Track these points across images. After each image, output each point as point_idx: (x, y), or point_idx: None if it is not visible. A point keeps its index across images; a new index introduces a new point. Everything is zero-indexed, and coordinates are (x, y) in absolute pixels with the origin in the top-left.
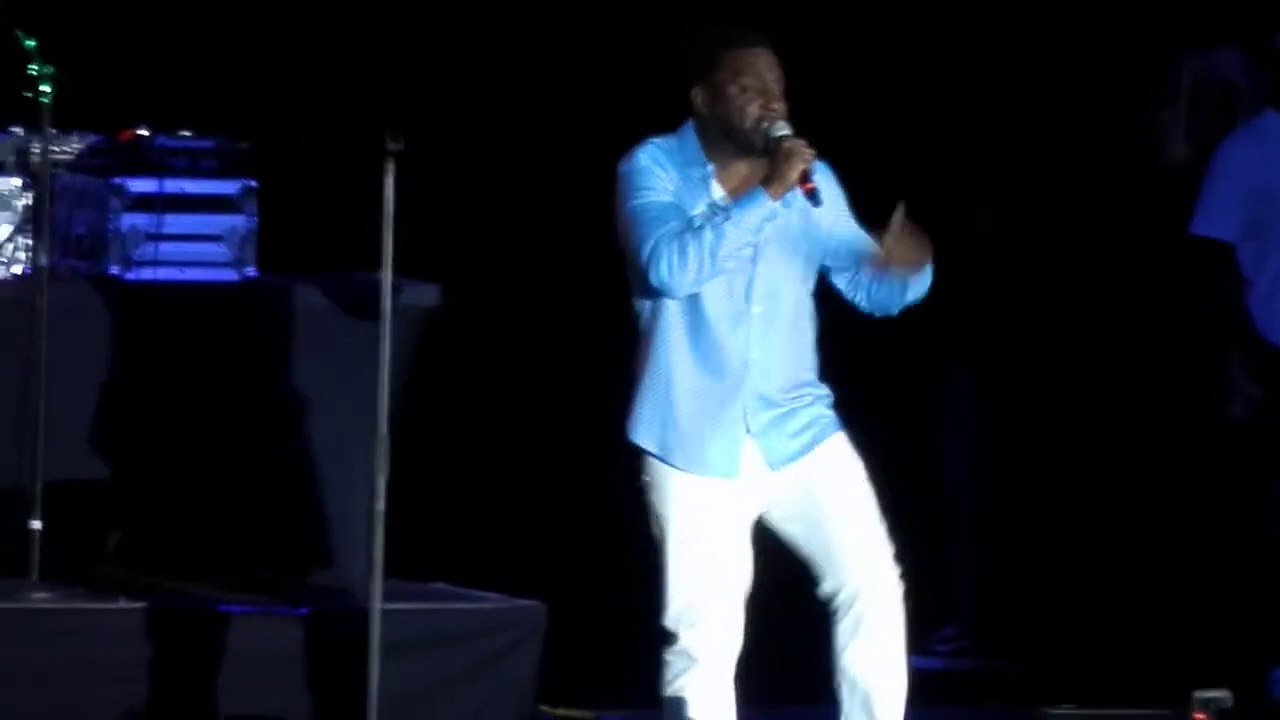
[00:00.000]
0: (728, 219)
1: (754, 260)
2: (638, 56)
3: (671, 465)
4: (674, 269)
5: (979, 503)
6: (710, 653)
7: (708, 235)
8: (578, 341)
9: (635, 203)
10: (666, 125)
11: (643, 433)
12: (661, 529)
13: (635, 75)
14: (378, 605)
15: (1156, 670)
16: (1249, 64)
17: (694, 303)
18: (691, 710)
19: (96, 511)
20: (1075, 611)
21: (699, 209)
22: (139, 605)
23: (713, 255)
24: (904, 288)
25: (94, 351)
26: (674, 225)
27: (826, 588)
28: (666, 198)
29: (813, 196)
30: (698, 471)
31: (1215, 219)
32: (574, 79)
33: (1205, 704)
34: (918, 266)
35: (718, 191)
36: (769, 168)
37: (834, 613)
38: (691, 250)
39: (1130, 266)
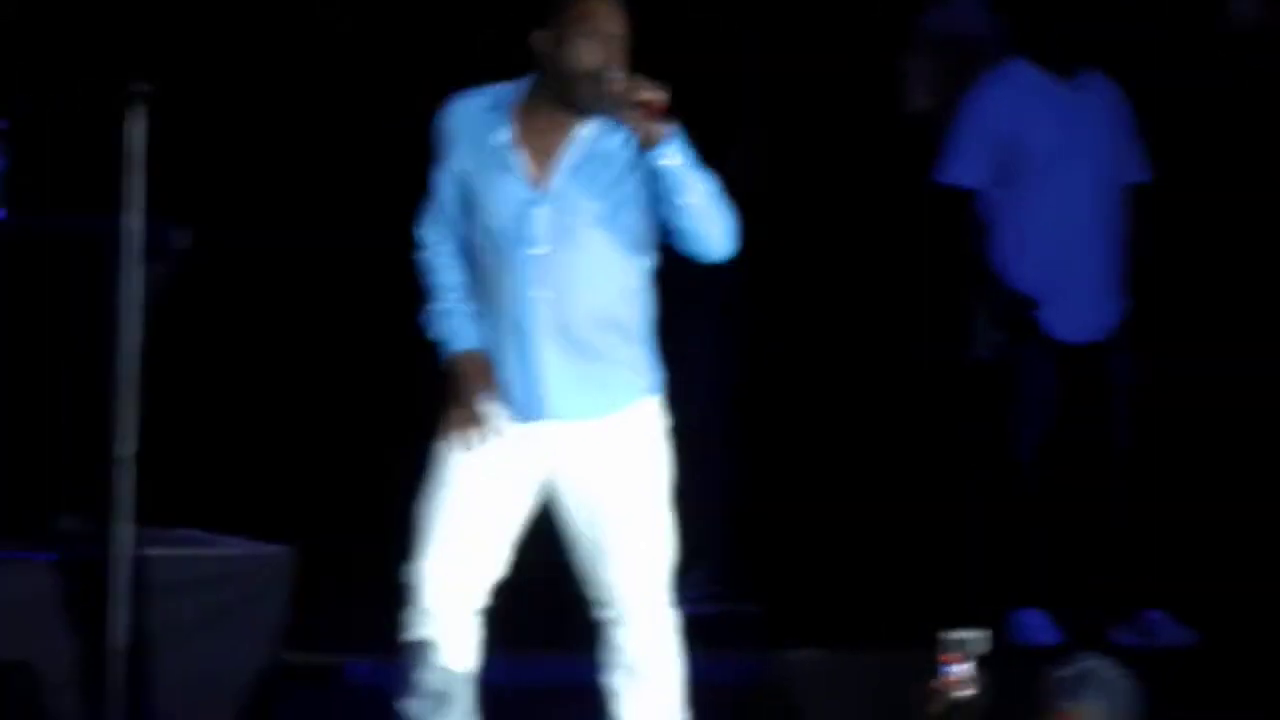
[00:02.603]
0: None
1: (531, 207)
2: None
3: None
4: (418, 269)
5: (730, 445)
6: (435, 594)
7: (429, 307)
8: (333, 282)
9: (430, 173)
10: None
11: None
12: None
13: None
14: (123, 550)
15: (903, 613)
16: (988, 13)
17: (479, 247)
18: (410, 653)
19: None
20: (821, 554)
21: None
22: None
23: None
24: (682, 217)
25: None
26: (434, 236)
27: (590, 593)
28: (445, 186)
29: (667, 115)
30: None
31: (960, 166)
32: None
33: (959, 644)
34: (639, 112)
35: (502, 137)
36: (623, 121)
37: (599, 628)
38: (421, 280)
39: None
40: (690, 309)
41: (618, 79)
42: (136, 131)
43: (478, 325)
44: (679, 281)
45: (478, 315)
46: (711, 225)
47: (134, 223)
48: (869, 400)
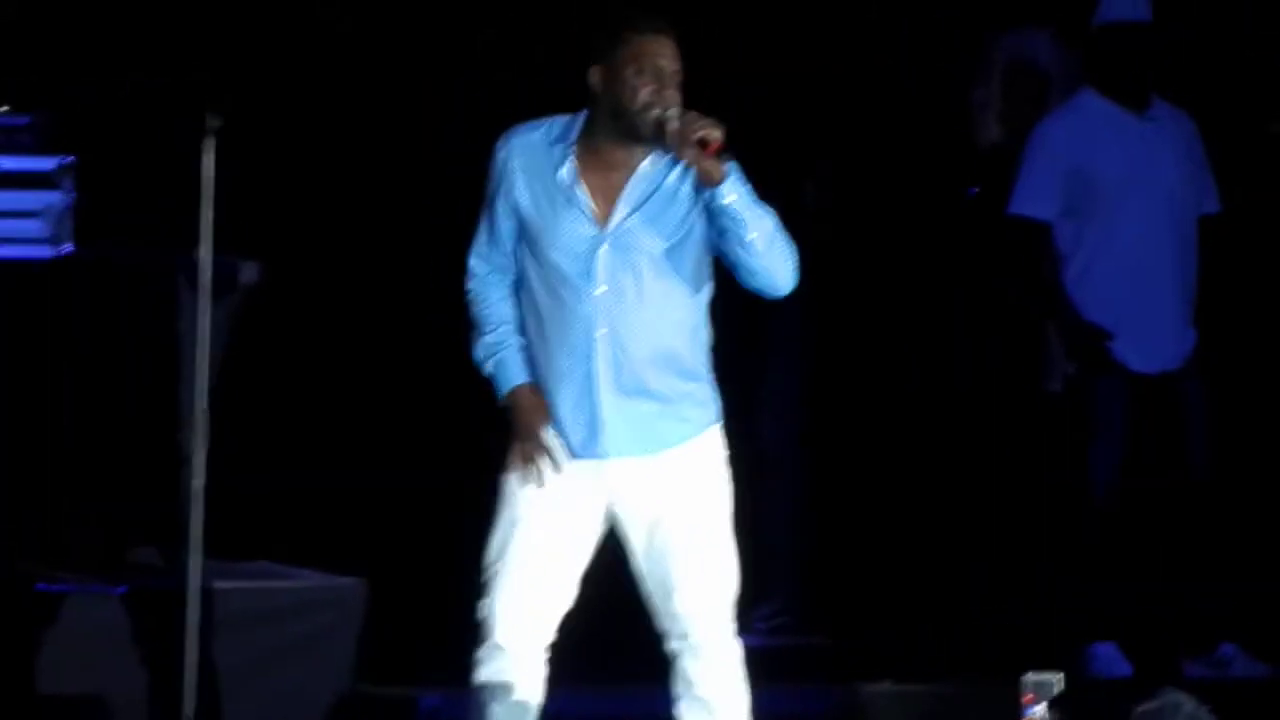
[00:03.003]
0: (494, 357)
1: (595, 246)
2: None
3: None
4: (467, 298)
5: (800, 479)
6: (506, 630)
7: (480, 339)
8: (401, 316)
9: (486, 202)
10: (502, 107)
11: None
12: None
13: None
14: (194, 583)
15: (979, 646)
16: (1059, 45)
17: (539, 283)
18: (483, 689)
19: None
20: (890, 587)
21: (545, 191)
22: None
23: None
24: (747, 253)
25: None
26: (486, 267)
27: (659, 626)
28: (501, 219)
29: (721, 155)
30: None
31: (1032, 198)
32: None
33: (1036, 687)
34: (703, 154)
35: (566, 173)
36: (678, 155)
37: (667, 660)
38: (470, 311)
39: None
40: (760, 341)
41: (673, 117)
42: (208, 165)
43: (535, 359)
44: (748, 314)
45: (535, 349)
46: (773, 261)
47: (205, 256)
48: (939, 433)
